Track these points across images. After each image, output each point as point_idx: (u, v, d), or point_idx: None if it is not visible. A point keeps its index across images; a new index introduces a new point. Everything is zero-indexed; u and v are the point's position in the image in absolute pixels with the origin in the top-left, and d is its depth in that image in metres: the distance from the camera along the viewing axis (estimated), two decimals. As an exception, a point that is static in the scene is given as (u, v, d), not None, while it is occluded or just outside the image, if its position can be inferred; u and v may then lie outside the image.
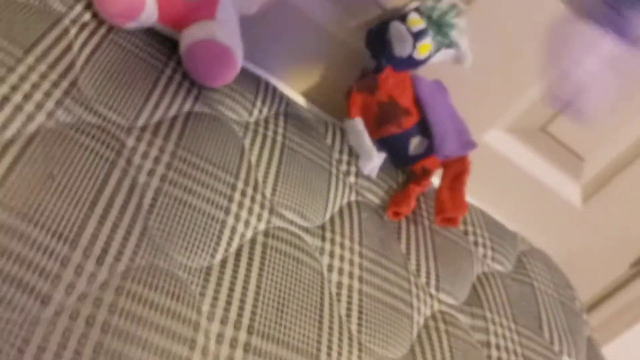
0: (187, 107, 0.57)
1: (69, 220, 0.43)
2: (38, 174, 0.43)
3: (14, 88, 0.46)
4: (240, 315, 0.47)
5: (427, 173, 0.72)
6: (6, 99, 0.45)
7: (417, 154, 0.72)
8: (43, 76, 0.48)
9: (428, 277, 0.64)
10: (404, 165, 0.75)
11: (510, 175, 0.86)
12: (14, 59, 0.48)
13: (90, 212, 0.44)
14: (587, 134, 0.84)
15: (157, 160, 0.51)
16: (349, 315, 0.54)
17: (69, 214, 0.43)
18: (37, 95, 0.47)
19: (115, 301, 0.42)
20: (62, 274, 0.41)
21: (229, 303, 0.47)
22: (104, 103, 0.51)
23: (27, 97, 0.46)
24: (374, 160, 0.69)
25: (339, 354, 0.50)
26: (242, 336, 0.46)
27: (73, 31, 0.54)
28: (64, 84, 0.49)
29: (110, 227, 0.45)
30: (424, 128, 0.71)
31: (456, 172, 0.73)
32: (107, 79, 0.52)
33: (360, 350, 0.52)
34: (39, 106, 0.47)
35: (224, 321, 0.46)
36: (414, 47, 0.66)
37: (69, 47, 0.52)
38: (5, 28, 0.49)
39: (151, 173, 0.50)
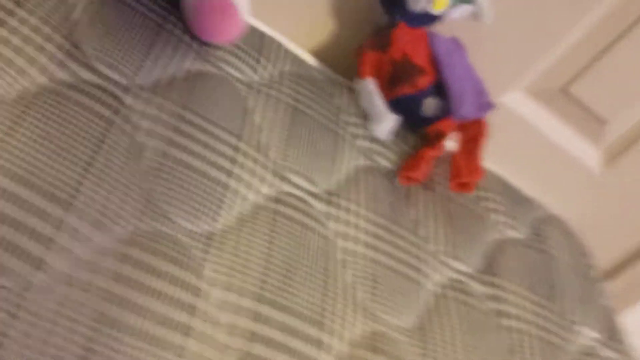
0: (187, 64, 0.55)
1: (63, 182, 0.41)
2: (35, 134, 0.42)
3: (4, 41, 0.44)
4: (244, 281, 0.45)
5: (441, 136, 0.70)
6: (10, 61, 0.43)
7: (432, 116, 0.69)
8: (35, 29, 0.46)
9: (439, 244, 0.62)
10: (417, 127, 0.72)
11: (528, 139, 0.83)
12: (3, 12, 0.45)
13: (86, 172, 0.42)
14: (610, 96, 0.80)
15: (156, 120, 0.49)
16: (354, 282, 0.52)
17: (63, 175, 0.41)
18: (29, 50, 0.45)
19: (116, 268, 0.40)
20: (56, 237, 0.39)
21: (232, 269, 0.45)
22: (100, 59, 0.49)
23: (17, 51, 0.44)
24: (386, 122, 0.66)
25: (343, 319, 0.49)
26: (246, 303, 0.45)
27: (69, -16, 0.51)
28: (58, 39, 0.47)
29: (107, 189, 0.43)
30: (439, 88, 0.69)
31: (472, 135, 0.70)
32: (104, 33, 0.50)
33: (365, 317, 0.50)
34: (32, 61, 0.45)
35: (227, 287, 0.44)
36: (429, 1, 0.62)
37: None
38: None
39: (150, 133, 0.48)
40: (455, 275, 0.61)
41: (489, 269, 0.64)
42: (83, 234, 0.40)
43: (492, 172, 0.78)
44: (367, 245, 0.55)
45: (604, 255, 0.88)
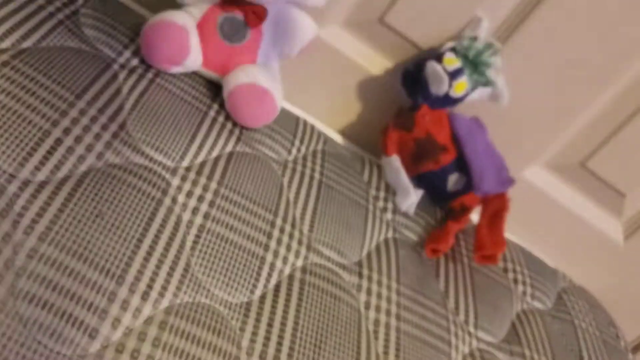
0: (229, 147, 0.59)
1: (116, 257, 0.45)
2: (88, 212, 0.46)
3: (66, 131, 0.49)
4: (278, 350, 0.48)
5: (465, 210, 0.73)
6: (59, 141, 0.48)
7: (456, 191, 0.73)
8: (93, 119, 0.51)
9: (467, 315, 0.64)
10: (442, 202, 0.75)
11: (550, 212, 0.86)
12: (66, 104, 0.50)
13: (137, 249, 0.46)
14: (628, 170, 0.83)
15: (200, 199, 0.53)
16: (386, 353, 0.54)
17: (117, 250, 0.45)
18: (88, 138, 0.50)
19: (159, 335, 0.43)
20: (109, 308, 0.43)
21: (267, 339, 0.48)
22: (150, 144, 0.53)
23: (78, 139, 0.49)
24: (412, 197, 0.70)
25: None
26: (281, 372, 0.47)
27: (122, 76, 0.57)
28: (113, 127, 0.52)
29: (155, 263, 0.47)
30: (462, 165, 0.72)
31: (495, 209, 0.73)
32: (154, 121, 0.55)
33: (397, 388, 0.52)
34: (89, 148, 0.49)
35: (262, 356, 0.47)
36: (450, 85, 0.67)
37: (117, 91, 0.55)
38: (59, 74, 0.52)
39: (195, 211, 0.52)
40: (482, 346, 0.62)
41: (515, 338, 0.66)
42: (133, 306, 0.44)
43: (516, 244, 0.80)
44: (397, 316, 0.57)
45: (630, 327, 0.89)
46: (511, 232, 0.75)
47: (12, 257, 0.41)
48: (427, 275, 0.65)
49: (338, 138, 0.79)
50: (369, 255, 0.61)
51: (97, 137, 0.51)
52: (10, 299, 0.39)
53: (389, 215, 0.68)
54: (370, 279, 0.59)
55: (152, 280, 0.46)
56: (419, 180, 0.72)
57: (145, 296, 0.45)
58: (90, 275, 0.43)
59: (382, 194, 0.70)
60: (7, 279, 0.40)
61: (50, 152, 0.47)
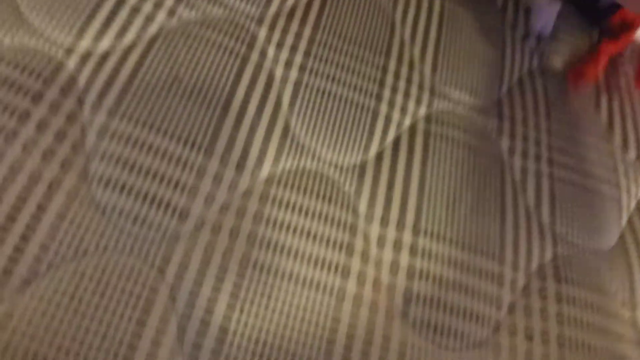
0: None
1: (200, 126, 0.39)
2: (162, 77, 0.40)
3: (132, -10, 0.42)
4: (403, 214, 0.40)
5: (626, 28, 0.58)
6: (120, 2, 0.42)
7: (613, 4, 0.58)
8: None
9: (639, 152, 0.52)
10: (597, 19, 0.60)
11: None
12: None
13: (224, 115, 0.40)
14: None
15: (294, 49, 0.45)
16: (538, 205, 0.44)
17: (200, 119, 0.39)
18: (154, -6, 0.43)
19: (260, 209, 0.38)
20: (199, 185, 0.37)
21: (388, 202, 0.41)
22: (228, -8, 0.46)
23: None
24: (546, 11, 0.56)
25: (528, 250, 0.42)
26: (407, 237, 0.40)
27: None
28: (183, -22, 0.45)
29: (247, 129, 0.40)
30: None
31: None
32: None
33: (554, 245, 0.43)
34: (158, 4, 0.43)
35: (384, 222, 0.40)
36: None
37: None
38: None
39: (288, 64, 0.44)
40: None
41: None
42: (227, 179, 0.38)
43: None
44: (550, 162, 0.47)
45: None
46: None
47: (81, 139, 0.36)
48: (585, 109, 0.53)
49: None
50: (509, 91, 0.50)
51: (166, -8, 0.44)
52: (84, 185, 0.35)
53: (531, 43, 0.55)
54: (513, 119, 0.48)
55: (246, 148, 0.39)
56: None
57: (240, 167, 0.39)
58: (173, 150, 0.38)
59: (521, 20, 0.57)
60: (78, 163, 0.35)
61: (110, 17, 0.41)
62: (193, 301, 0.34)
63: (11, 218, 0.33)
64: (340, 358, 0.35)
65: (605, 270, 0.43)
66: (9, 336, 0.31)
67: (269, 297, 0.35)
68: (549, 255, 0.42)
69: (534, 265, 0.41)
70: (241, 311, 0.35)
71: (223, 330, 0.34)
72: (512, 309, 0.39)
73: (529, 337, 0.39)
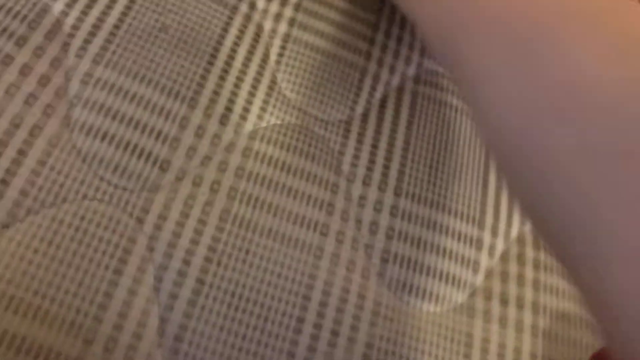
0: None
1: (185, 77, 0.39)
2: (149, 26, 0.39)
3: None
4: (384, 174, 0.40)
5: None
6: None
7: None
8: None
9: None
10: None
11: None
12: None
13: (210, 66, 0.39)
14: None
15: (284, 2, 0.44)
16: (522, 172, 0.44)
17: (186, 69, 0.39)
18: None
19: (243, 164, 0.38)
20: (181, 136, 0.37)
21: (372, 162, 0.41)
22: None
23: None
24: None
25: (509, 216, 0.42)
26: (388, 199, 0.40)
27: None
28: None
29: (233, 82, 0.40)
30: None
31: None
32: None
33: (536, 212, 0.43)
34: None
35: (366, 182, 0.40)
36: None
37: None
38: None
39: (278, 17, 0.43)
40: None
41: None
42: (210, 132, 0.38)
43: None
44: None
45: None
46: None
47: (64, 84, 0.36)
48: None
49: None
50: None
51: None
52: (65, 131, 0.35)
53: None
54: (503, 85, 0.48)
55: (231, 101, 0.39)
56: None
57: (224, 120, 0.38)
58: (157, 100, 0.37)
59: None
60: (60, 109, 0.35)
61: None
62: (171, 252, 0.34)
63: (-10, 162, 0.33)
64: (314, 314, 0.36)
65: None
66: (-15, 279, 0.31)
67: (247, 251, 0.36)
68: (529, 223, 0.42)
69: (514, 231, 0.42)
70: (218, 264, 0.35)
71: (200, 281, 0.34)
72: (489, 273, 0.40)
73: (504, 302, 0.39)
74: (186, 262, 0.34)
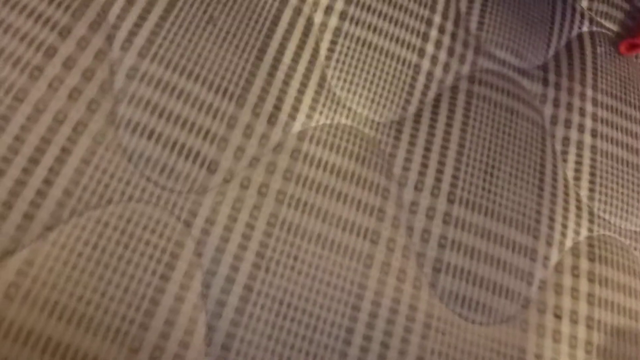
0: None
1: (234, 73, 0.37)
2: (197, 18, 0.37)
3: None
4: (438, 180, 0.39)
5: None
6: None
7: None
8: None
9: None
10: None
11: None
12: None
13: (259, 61, 0.38)
14: None
15: (335, -6, 0.42)
16: (578, 179, 0.43)
17: (234, 64, 0.37)
18: None
19: (291, 166, 0.36)
20: (229, 136, 0.35)
21: (424, 166, 0.39)
22: None
23: None
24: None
25: (564, 226, 0.40)
26: (441, 205, 0.38)
27: None
28: None
29: (282, 79, 0.38)
30: None
31: None
32: None
33: (591, 221, 0.41)
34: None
35: (418, 187, 0.38)
36: None
37: None
38: None
39: (329, 10, 0.41)
40: None
41: None
42: (258, 132, 0.36)
43: None
44: (593, 133, 0.45)
45: None
46: None
47: (109, 79, 0.34)
48: (634, 78, 0.50)
49: None
50: (556, 56, 0.47)
51: None
52: (111, 128, 0.33)
53: (584, 3, 0.52)
54: (558, 86, 0.46)
55: (280, 99, 0.37)
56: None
57: (272, 119, 0.37)
58: (204, 97, 0.36)
59: (576, -25, 0.53)
60: (105, 105, 0.34)
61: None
62: (219, 258, 0.33)
63: (34, 160, 0.31)
64: (364, 325, 0.34)
65: (639, 251, 0.42)
66: (30, 284, 0.30)
67: (296, 258, 0.34)
68: (584, 232, 0.41)
69: (569, 242, 0.40)
70: (267, 271, 0.33)
71: (248, 288, 0.33)
72: (542, 285, 0.38)
73: (558, 316, 0.38)
74: (234, 269, 0.33)
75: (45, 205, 0.31)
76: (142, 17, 0.36)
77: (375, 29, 0.42)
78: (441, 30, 0.44)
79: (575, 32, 0.49)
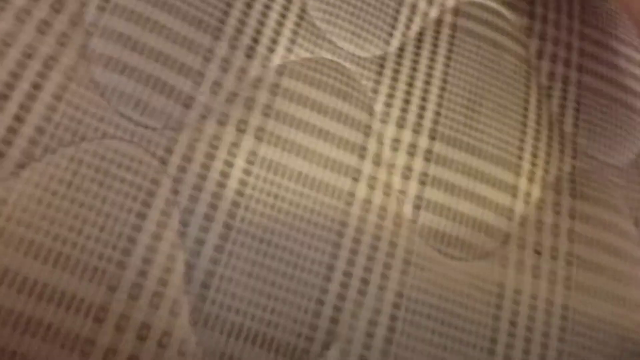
0: None
1: (209, 4, 0.35)
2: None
3: None
4: (420, 116, 0.38)
5: None
6: None
7: None
8: None
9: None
10: None
11: None
12: None
13: (236, -8, 0.36)
14: None
15: None
16: (562, 114, 0.42)
17: (210, -4, 0.36)
18: None
19: (270, 102, 0.35)
20: (205, 70, 0.34)
21: (407, 102, 0.38)
22: None
23: None
24: None
25: (547, 162, 0.40)
26: (423, 142, 0.38)
27: None
28: None
29: (260, 10, 0.37)
30: None
31: None
32: None
33: (574, 157, 0.41)
34: None
35: (400, 124, 0.38)
36: None
37: None
38: None
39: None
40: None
41: None
42: (235, 65, 0.35)
43: None
44: (579, 68, 0.44)
45: None
46: None
47: (80, 11, 0.33)
48: (621, 15, 0.49)
49: None
50: (545, -13, 0.46)
51: None
52: (82, 63, 0.32)
53: None
54: (545, 19, 0.44)
55: (258, 31, 0.36)
56: None
57: (250, 52, 0.36)
58: (179, 29, 0.34)
59: None
60: (76, 38, 0.32)
61: None
62: (197, 195, 0.32)
63: (3, 96, 0.30)
64: (345, 261, 0.34)
65: (621, 187, 0.42)
66: (4, 223, 0.29)
67: (276, 196, 0.34)
68: (567, 168, 0.41)
69: (551, 178, 0.40)
70: (246, 209, 0.33)
71: (227, 226, 0.33)
72: (523, 222, 0.38)
73: (538, 252, 0.38)
74: (213, 206, 0.33)
75: (17, 142, 0.30)
76: (112, -55, 0.34)
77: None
78: (426, -41, 0.42)
79: (564, -37, 0.48)
